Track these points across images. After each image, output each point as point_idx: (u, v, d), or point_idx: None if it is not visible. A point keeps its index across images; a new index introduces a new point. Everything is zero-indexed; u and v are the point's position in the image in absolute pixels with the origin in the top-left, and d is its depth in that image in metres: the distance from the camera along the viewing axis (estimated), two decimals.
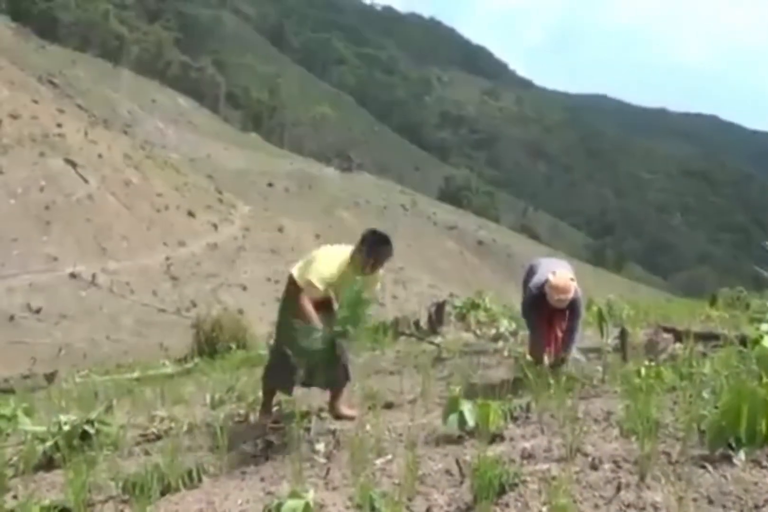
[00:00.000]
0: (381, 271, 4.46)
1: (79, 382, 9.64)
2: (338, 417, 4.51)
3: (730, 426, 2.98)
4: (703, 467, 2.90)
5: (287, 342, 4.43)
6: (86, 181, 44.89)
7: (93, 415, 4.56)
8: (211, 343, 11.93)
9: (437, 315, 8.87)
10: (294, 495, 2.87)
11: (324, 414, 4.60)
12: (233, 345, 11.70)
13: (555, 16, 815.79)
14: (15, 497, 3.62)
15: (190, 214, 50.09)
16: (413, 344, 7.86)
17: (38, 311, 31.99)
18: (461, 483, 3.09)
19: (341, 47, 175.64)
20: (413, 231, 77.11)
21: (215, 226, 50.62)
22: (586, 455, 3.17)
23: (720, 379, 3.90)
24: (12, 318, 30.83)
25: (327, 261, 4.33)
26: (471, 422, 3.66)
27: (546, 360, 4.89)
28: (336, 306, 4.42)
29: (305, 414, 4.42)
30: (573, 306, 4.92)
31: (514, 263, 71.43)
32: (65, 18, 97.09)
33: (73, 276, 36.21)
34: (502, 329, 7.87)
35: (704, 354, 4.96)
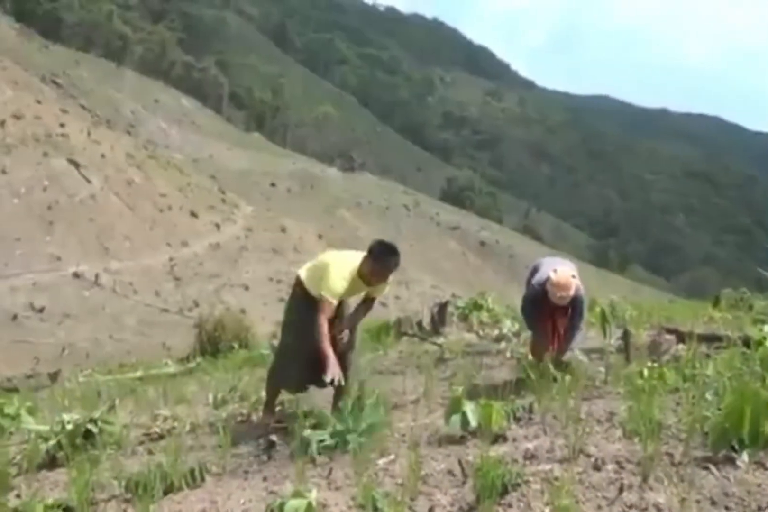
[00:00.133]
0: (390, 277, 4.48)
1: (82, 382, 9.66)
2: None
3: (733, 427, 2.97)
4: (706, 468, 2.90)
5: (293, 341, 4.47)
6: (89, 181, 44.95)
7: (96, 414, 4.57)
8: (214, 343, 11.96)
9: (440, 316, 8.87)
10: (297, 494, 2.87)
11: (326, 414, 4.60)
12: (236, 345, 11.72)
13: (557, 16, 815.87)
14: (18, 496, 3.63)
15: (193, 214, 50.15)
16: (416, 344, 7.86)
17: (41, 310, 32.05)
18: (464, 483, 3.09)
19: (344, 48, 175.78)
20: (416, 231, 77.15)
21: (218, 226, 50.66)
22: (588, 456, 3.17)
23: (723, 381, 3.89)
24: (15, 317, 30.90)
25: (338, 274, 4.30)
26: (474, 422, 3.66)
27: (547, 358, 4.90)
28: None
29: (308, 414, 4.42)
30: (574, 304, 4.92)
31: (517, 264, 71.39)
32: (69, 18, 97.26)
33: (76, 276, 36.27)
34: (504, 330, 7.88)
35: (707, 356, 4.95)
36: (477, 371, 5.69)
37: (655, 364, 4.54)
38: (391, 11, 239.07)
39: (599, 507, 2.72)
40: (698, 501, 2.67)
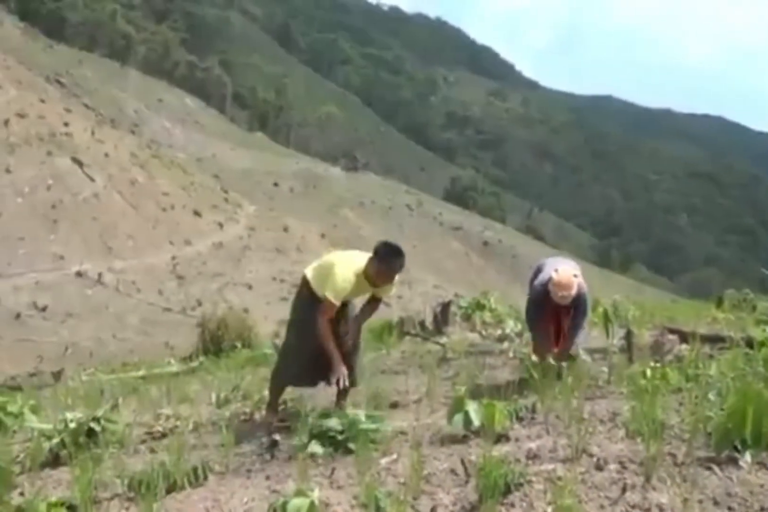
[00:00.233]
0: (396, 278, 4.48)
1: (86, 380, 9.67)
2: None
3: (735, 428, 2.97)
4: (709, 469, 2.90)
5: (297, 340, 4.49)
6: (93, 180, 45.03)
7: (99, 413, 4.58)
8: (217, 342, 11.97)
9: (443, 316, 8.88)
10: (299, 493, 2.88)
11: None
12: (238, 344, 11.73)
13: (560, 17, 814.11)
14: (22, 494, 3.64)
15: (196, 213, 50.21)
16: (418, 344, 7.86)
17: (44, 309, 32.11)
18: (466, 482, 3.09)
19: (347, 47, 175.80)
20: (419, 231, 77.15)
21: (221, 226, 50.71)
22: (591, 456, 3.16)
23: (726, 381, 3.89)
24: (18, 316, 30.96)
25: (342, 274, 4.31)
26: (476, 422, 3.66)
27: (550, 358, 4.89)
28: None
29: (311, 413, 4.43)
30: (577, 303, 4.92)
31: (520, 264, 71.37)
32: (73, 18, 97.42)
33: (79, 274, 36.33)
34: (507, 330, 7.89)
35: (710, 356, 4.95)
36: (480, 371, 5.69)
37: (658, 364, 4.54)
38: (395, 11, 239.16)
39: (602, 507, 2.72)
40: (701, 502, 2.67)
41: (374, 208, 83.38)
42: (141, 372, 10.07)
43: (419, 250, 64.62)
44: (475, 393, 4.30)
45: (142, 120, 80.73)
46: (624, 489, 2.79)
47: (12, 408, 5.16)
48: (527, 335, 7.01)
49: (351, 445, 3.69)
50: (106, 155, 49.59)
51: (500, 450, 3.35)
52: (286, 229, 55.37)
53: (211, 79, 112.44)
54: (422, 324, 9.15)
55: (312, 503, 2.82)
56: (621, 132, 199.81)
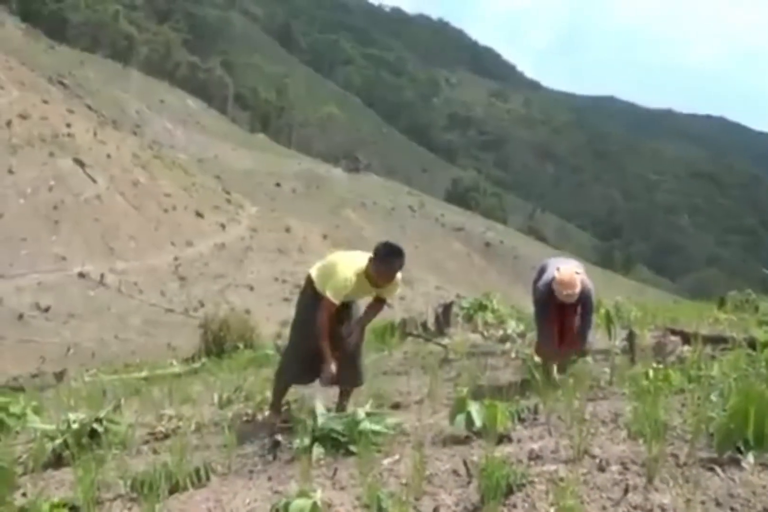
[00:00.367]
0: (399, 276, 4.49)
1: (88, 381, 9.69)
2: None
3: (738, 428, 2.97)
4: (711, 470, 2.90)
5: (300, 340, 4.51)
6: (95, 181, 45.10)
7: (102, 414, 4.58)
8: (219, 343, 11.97)
9: (444, 317, 8.87)
10: (302, 494, 2.88)
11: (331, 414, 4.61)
12: (240, 345, 11.73)
13: (561, 17, 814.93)
14: (24, 494, 3.64)
15: (198, 214, 50.26)
16: (420, 345, 7.86)
17: (47, 310, 32.16)
18: (468, 483, 3.09)
19: (349, 48, 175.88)
20: (420, 232, 77.18)
21: (223, 226, 50.77)
22: (593, 457, 3.16)
23: (728, 382, 3.89)
24: (21, 317, 31.01)
25: (344, 274, 4.34)
26: (478, 423, 3.66)
27: (554, 358, 4.90)
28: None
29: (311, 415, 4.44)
30: (584, 301, 4.92)
31: (521, 265, 71.39)
32: (75, 19, 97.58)
33: (81, 275, 36.38)
34: (509, 330, 7.87)
35: (712, 357, 4.94)
36: (482, 372, 5.69)
37: (660, 365, 4.54)
38: (397, 12, 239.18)
39: (604, 508, 2.72)
40: (703, 503, 2.67)
41: (376, 208, 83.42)
42: (143, 373, 10.07)
43: (421, 251, 64.64)
44: (477, 394, 4.30)
45: (144, 121, 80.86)
46: (626, 490, 2.79)
47: (14, 408, 5.17)
48: (529, 336, 7.02)
49: (352, 448, 3.69)
50: (108, 156, 49.67)
51: (502, 450, 3.35)
52: (288, 230, 55.41)
53: (213, 80, 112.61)
54: (424, 325, 9.15)
55: (314, 504, 2.82)
56: (622, 132, 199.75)
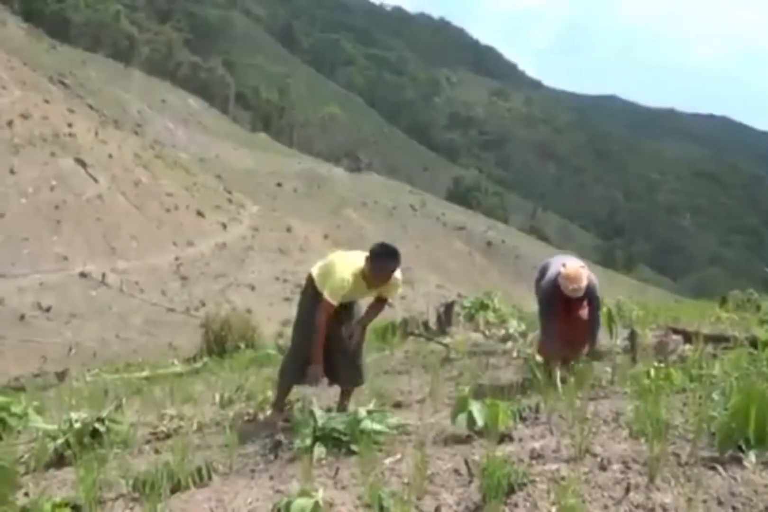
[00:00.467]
0: (399, 276, 4.49)
1: (90, 381, 9.70)
2: None
3: (739, 427, 2.97)
4: (713, 469, 2.89)
5: (301, 339, 4.51)
6: (96, 181, 45.14)
7: (103, 413, 4.58)
8: (220, 343, 11.97)
9: (446, 316, 8.88)
10: (303, 493, 2.88)
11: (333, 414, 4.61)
12: (242, 345, 11.73)
13: (564, 17, 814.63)
14: (26, 494, 3.64)
15: (200, 213, 50.28)
16: (422, 344, 7.86)
17: (48, 310, 32.19)
18: (470, 482, 3.09)
19: (350, 48, 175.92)
20: (422, 231, 77.20)
21: (224, 226, 50.80)
22: (595, 456, 3.16)
23: (730, 381, 3.88)
24: (23, 317, 31.04)
25: (341, 274, 4.36)
26: (480, 422, 3.66)
27: (557, 358, 4.90)
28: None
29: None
30: (590, 296, 4.93)
31: (523, 264, 71.36)
32: (76, 18, 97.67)
33: (83, 275, 36.41)
34: (510, 330, 7.87)
35: (714, 356, 4.94)
36: (483, 371, 5.69)
37: (662, 364, 4.54)
38: (398, 11, 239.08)
39: (605, 507, 2.72)
40: (705, 501, 2.66)
41: (377, 208, 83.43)
42: (145, 373, 10.08)
43: (422, 250, 64.67)
44: (479, 393, 4.30)
45: (145, 120, 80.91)
46: (628, 489, 2.79)
47: (16, 408, 5.17)
48: (531, 335, 7.02)
49: (354, 447, 3.69)
50: (110, 156, 49.71)
51: (504, 450, 3.35)
52: (289, 230, 55.44)
53: (214, 80, 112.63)
54: (425, 324, 9.16)
55: (316, 503, 2.82)
56: (624, 132, 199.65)
